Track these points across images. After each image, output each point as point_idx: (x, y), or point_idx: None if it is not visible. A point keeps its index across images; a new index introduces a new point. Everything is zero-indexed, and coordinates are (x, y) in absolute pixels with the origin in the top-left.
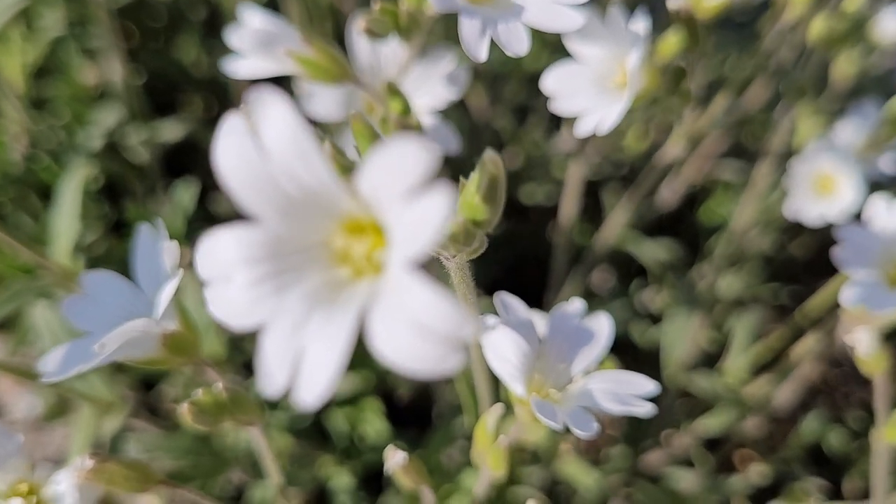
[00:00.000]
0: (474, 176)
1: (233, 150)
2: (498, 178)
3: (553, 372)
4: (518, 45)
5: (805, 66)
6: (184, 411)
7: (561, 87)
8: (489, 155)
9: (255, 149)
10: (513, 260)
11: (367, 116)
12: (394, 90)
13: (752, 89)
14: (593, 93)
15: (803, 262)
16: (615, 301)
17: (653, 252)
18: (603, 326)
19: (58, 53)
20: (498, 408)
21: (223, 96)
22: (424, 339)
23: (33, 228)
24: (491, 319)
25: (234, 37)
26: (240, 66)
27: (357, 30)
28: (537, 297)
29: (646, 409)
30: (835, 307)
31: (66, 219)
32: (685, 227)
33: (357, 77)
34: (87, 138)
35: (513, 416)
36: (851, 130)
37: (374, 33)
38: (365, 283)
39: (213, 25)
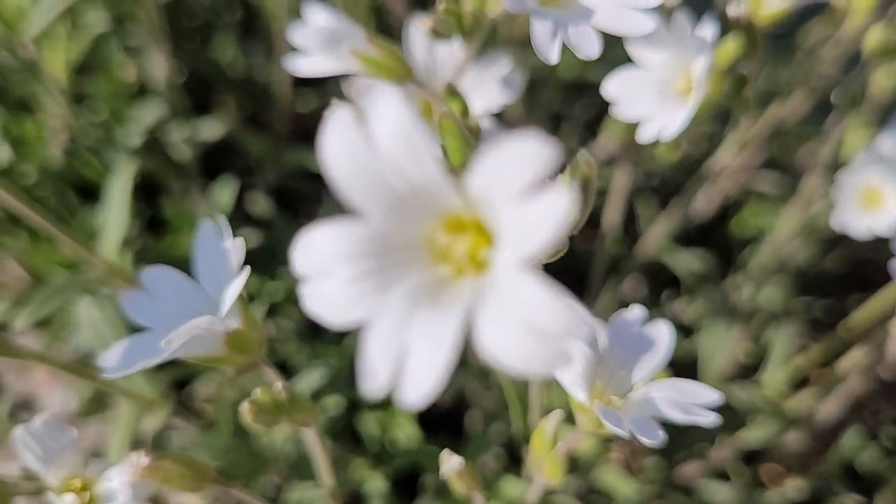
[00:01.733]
0: (563, 177)
1: (340, 142)
2: (590, 178)
3: (614, 379)
4: (589, 48)
5: (857, 77)
6: (244, 410)
7: (623, 92)
8: (583, 155)
9: (364, 142)
10: (544, 270)
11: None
12: (453, 91)
13: (790, 101)
14: (655, 99)
15: (835, 276)
16: (648, 311)
17: (687, 263)
18: (663, 334)
19: (99, 50)
20: (557, 414)
21: (258, 97)
22: (536, 340)
23: (74, 224)
24: None
25: (297, 35)
26: (302, 64)
27: (418, 30)
28: None
29: (710, 419)
30: (881, 321)
31: (116, 214)
32: (715, 238)
33: (418, 77)
34: (126, 135)
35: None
36: (892, 142)
37: (439, 33)
38: (468, 282)
39: (250, 27)
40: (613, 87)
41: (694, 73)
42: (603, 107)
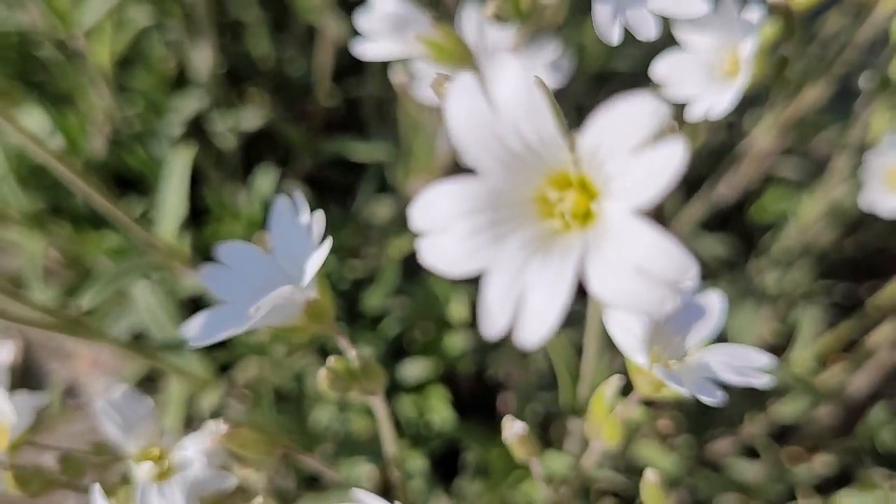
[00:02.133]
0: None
1: (465, 105)
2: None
3: (670, 345)
4: (647, 30)
5: (886, 60)
6: (321, 377)
7: (671, 73)
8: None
9: (486, 105)
10: None
11: None
12: None
13: (813, 89)
14: (702, 80)
15: (850, 262)
16: None
17: (711, 247)
18: (715, 303)
19: (141, 44)
20: (616, 379)
21: (290, 90)
22: (648, 283)
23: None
24: None
25: (363, 19)
26: (369, 47)
27: (473, 15)
28: None
29: (764, 381)
30: None
31: (174, 198)
32: (734, 224)
33: (478, 62)
34: (168, 125)
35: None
36: None
37: (501, 17)
38: (576, 235)
39: (280, 21)
40: (663, 69)
41: (740, 55)
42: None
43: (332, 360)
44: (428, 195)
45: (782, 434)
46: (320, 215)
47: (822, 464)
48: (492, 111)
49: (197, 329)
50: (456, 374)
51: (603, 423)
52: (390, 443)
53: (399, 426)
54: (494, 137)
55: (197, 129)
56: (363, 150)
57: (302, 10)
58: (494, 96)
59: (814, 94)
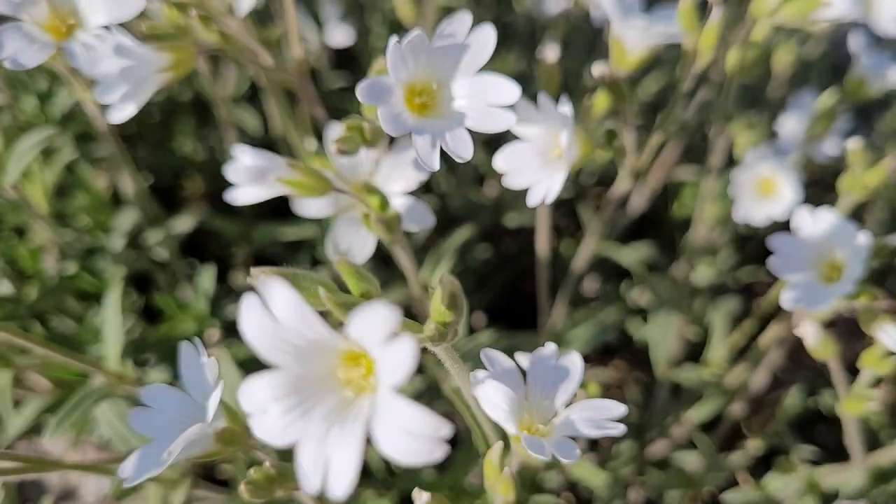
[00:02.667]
0: (437, 291)
1: (253, 321)
2: (456, 291)
3: (539, 408)
4: (464, 150)
5: (727, 95)
6: (242, 490)
7: (509, 165)
8: (447, 277)
9: (270, 318)
10: (507, 278)
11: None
12: (370, 189)
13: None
14: (539, 165)
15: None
16: (608, 305)
17: (632, 255)
18: (575, 363)
19: (73, 171)
20: (499, 446)
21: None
22: (414, 440)
23: (78, 331)
24: (480, 374)
25: (230, 171)
26: (238, 194)
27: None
28: (533, 310)
29: (619, 430)
30: None
31: (112, 328)
32: (663, 222)
33: (338, 187)
34: (109, 242)
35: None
36: (794, 121)
37: (346, 151)
38: (366, 400)
39: (203, 114)
40: (501, 161)
41: (561, 143)
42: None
43: (251, 475)
44: (248, 386)
45: (713, 425)
46: (212, 362)
47: (754, 448)
48: (274, 322)
49: (129, 470)
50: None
51: (496, 482)
52: None
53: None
54: (282, 340)
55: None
56: (291, 232)
57: (217, 106)
58: (273, 312)
59: (656, 141)
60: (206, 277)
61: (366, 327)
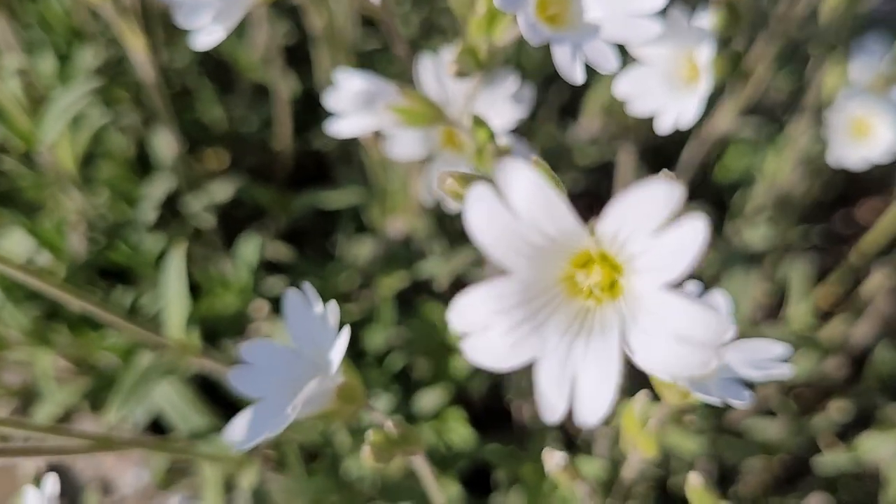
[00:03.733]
0: None
1: (484, 214)
2: None
3: None
4: (607, 62)
5: (817, 22)
6: (365, 453)
7: (634, 89)
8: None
9: (504, 210)
10: None
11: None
12: (479, 122)
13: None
14: (665, 90)
15: (828, 203)
16: None
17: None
18: (720, 303)
19: (100, 137)
20: (643, 394)
21: (247, 146)
22: (689, 349)
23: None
24: None
25: (331, 99)
26: (342, 125)
27: (429, 67)
28: None
29: (783, 371)
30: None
31: (176, 294)
32: (701, 189)
33: (448, 118)
34: (141, 213)
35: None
36: (861, 69)
37: (463, 73)
38: (610, 308)
39: (226, 82)
40: (625, 86)
41: (698, 61)
42: (573, 91)
43: (371, 435)
44: (464, 300)
45: (794, 392)
46: (334, 306)
47: (837, 410)
48: (511, 215)
49: (240, 432)
50: (467, 392)
51: (637, 437)
52: (436, 494)
53: None
54: (518, 238)
55: (169, 208)
56: (335, 199)
57: (245, 70)
58: (511, 201)
59: (763, 72)
60: (250, 247)
61: (639, 212)
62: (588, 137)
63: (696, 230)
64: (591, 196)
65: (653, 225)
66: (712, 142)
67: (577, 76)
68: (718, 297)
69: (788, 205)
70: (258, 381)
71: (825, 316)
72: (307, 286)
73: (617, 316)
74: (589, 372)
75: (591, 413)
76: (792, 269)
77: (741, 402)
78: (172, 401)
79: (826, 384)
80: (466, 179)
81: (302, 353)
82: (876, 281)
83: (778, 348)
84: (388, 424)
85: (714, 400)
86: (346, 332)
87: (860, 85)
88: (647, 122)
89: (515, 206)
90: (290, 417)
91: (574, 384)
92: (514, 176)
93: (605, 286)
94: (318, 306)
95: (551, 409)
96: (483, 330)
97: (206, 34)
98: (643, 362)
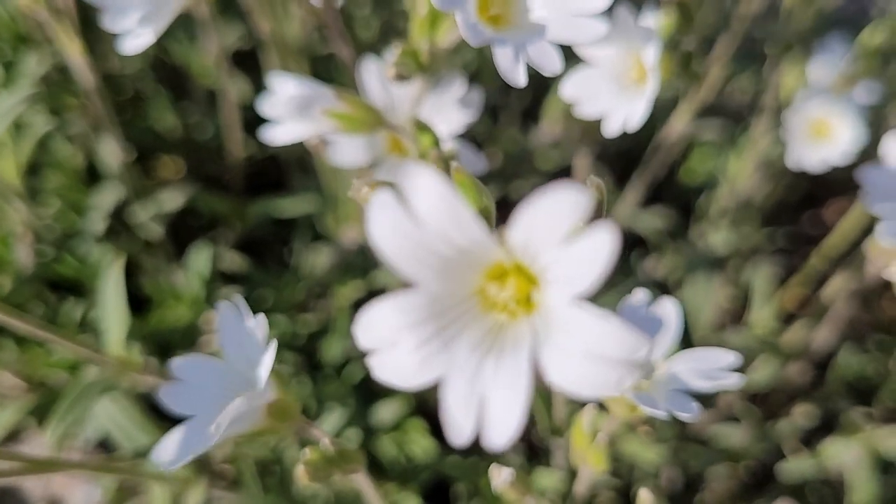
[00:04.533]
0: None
1: (387, 223)
2: (603, 199)
3: None
4: (550, 64)
5: (783, 23)
6: (299, 472)
7: (581, 91)
8: (593, 180)
9: (408, 218)
10: None
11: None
12: (422, 126)
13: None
14: (613, 92)
15: (782, 204)
16: (622, 277)
17: (649, 222)
18: (670, 311)
19: (45, 145)
20: (592, 408)
21: (201, 153)
22: (603, 366)
23: (59, 322)
24: None
25: (266, 105)
26: (277, 132)
27: (372, 72)
28: None
29: (733, 380)
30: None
31: (114, 309)
32: (666, 190)
33: (389, 122)
34: (90, 223)
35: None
36: (822, 69)
37: (402, 76)
38: (523, 323)
39: (180, 88)
40: (571, 88)
41: (645, 62)
42: (536, 94)
43: (307, 453)
44: (370, 314)
45: (758, 397)
46: (262, 319)
47: (802, 415)
48: (415, 224)
49: (168, 452)
50: (428, 401)
51: (587, 451)
52: None
53: (382, 469)
54: (423, 248)
55: (119, 219)
56: (290, 207)
57: (198, 75)
58: (415, 209)
59: (718, 73)
60: (202, 257)
61: (545, 221)
62: (550, 141)
63: (604, 240)
64: None
65: (560, 233)
66: (672, 144)
67: (520, 79)
68: (668, 304)
69: (751, 208)
70: (189, 397)
71: (790, 318)
72: (238, 298)
73: (530, 332)
74: (498, 392)
75: (499, 436)
76: (755, 274)
77: (688, 414)
78: (116, 419)
79: (790, 389)
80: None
81: (234, 368)
82: (836, 285)
83: (728, 357)
84: (325, 442)
85: (661, 413)
86: (272, 347)
87: (820, 85)
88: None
89: (420, 215)
90: (214, 437)
91: (482, 405)
92: (417, 182)
93: (521, 300)
94: (251, 319)
95: (458, 430)
96: (390, 346)
97: (134, 37)
98: (556, 381)
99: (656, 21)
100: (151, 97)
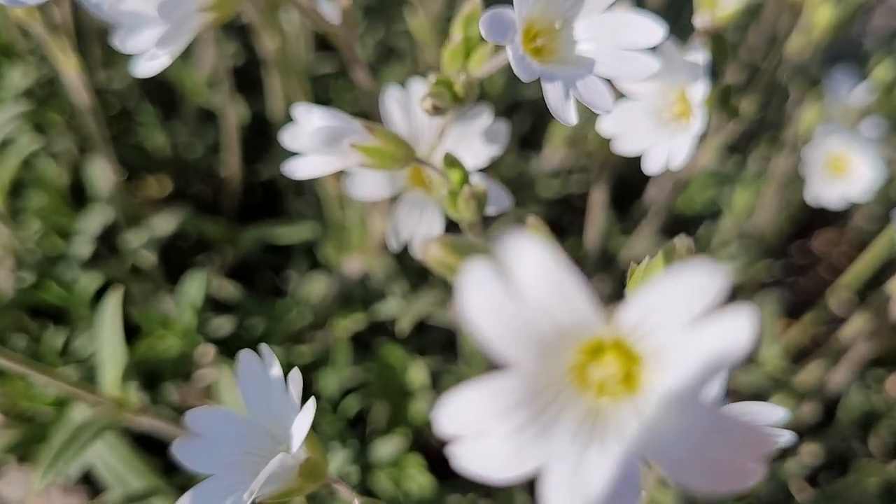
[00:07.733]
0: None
1: (485, 302)
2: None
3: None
4: (602, 101)
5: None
6: None
7: (620, 127)
8: (682, 241)
9: (507, 294)
10: None
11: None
12: (452, 161)
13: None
14: (652, 128)
15: (785, 235)
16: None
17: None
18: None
19: (32, 164)
20: None
21: (189, 173)
22: (720, 465)
23: (40, 351)
24: None
25: (288, 137)
26: (301, 165)
27: (396, 101)
28: None
29: (786, 438)
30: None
31: (111, 346)
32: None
33: (420, 157)
34: (76, 247)
35: None
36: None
37: (438, 108)
38: (627, 406)
39: (169, 105)
40: (610, 123)
41: (692, 98)
42: (535, 121)
43: None
44: (458, 401)
45: None
46: (296, 375)
47: (809, 454)
48: (515, 300)
49: None
50: (426, 437)
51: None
52: None
53: None
54: (523, 326)
55: (106, 241)
56: (287, 234)
57: (190, 92)
58: (518, 283)
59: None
60: (195, 285)
61: (671, 304)
62: (551, 168)
63: (738, 329)
64: (553, 229)
65: (687, 319)
66: (678, 175)
67: (571, 117)
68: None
69: (756, 239)
70: (207, 454)
71: (799, 355)
72: (265, 348)
73: (636, 416)
74: (606, 485)
75: None
76: (761, 310)
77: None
78: (105, 459)
79: (798, 428)
80: (457, 250)
81: (256, 423)
82: (856, 326)
83: (778, 413)
84: (356, 502)
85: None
86: (311, 405)
87: (836, 121)
88: (612, 154)
89: (523, 290)
90: (248, 503)
91: (587, 496)
92: (523, 253)
93: (621, 378)
94: (276, 369)
95: None
96: (479, 434)
97: (149, 59)
98: (671, 475)
99: (703, 56)
100: (140, 114)
